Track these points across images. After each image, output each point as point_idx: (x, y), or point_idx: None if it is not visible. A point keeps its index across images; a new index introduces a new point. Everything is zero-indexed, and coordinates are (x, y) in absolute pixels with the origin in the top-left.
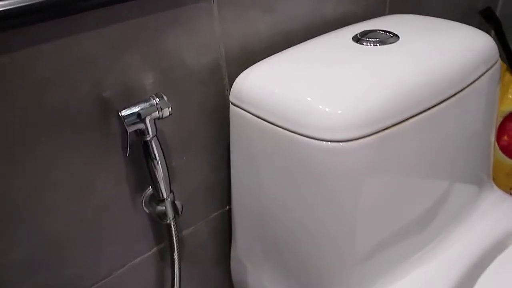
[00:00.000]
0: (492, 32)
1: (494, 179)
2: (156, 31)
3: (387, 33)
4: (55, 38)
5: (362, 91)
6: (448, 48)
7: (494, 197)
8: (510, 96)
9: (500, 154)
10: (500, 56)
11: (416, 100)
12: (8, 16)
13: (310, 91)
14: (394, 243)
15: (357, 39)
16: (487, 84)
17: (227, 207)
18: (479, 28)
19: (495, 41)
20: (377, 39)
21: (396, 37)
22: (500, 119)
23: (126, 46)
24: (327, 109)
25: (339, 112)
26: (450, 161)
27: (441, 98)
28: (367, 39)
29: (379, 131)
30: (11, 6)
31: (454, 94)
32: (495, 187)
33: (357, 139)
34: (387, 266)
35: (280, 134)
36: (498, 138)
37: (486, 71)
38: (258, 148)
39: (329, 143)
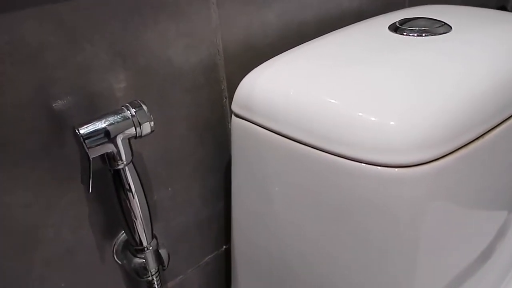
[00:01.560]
0: None
1: None
2: (132, 15)
3: (435, 21)
4: None
5: (425, 95)
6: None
7: None
8: None
9: None
10: None
11: (498, 107)
12: None
13: (347, 97)
14: (458, 285)
15: (395, 28)
16: None
17: (224, 247)
18: None
19: None
20: (424, 29)
21: (447, 26)
22: None
23: (87, 34)
24: (378, 120)
25: (400, 124)
26: (508, 187)
27: None
28: (410, 29)
29: (455, 150)
30: None
31: None
32: None
33: (428, 163)
34: None
35: (305, 153)
36: None
37: None
38: (271, 172)
39: (384, 168)
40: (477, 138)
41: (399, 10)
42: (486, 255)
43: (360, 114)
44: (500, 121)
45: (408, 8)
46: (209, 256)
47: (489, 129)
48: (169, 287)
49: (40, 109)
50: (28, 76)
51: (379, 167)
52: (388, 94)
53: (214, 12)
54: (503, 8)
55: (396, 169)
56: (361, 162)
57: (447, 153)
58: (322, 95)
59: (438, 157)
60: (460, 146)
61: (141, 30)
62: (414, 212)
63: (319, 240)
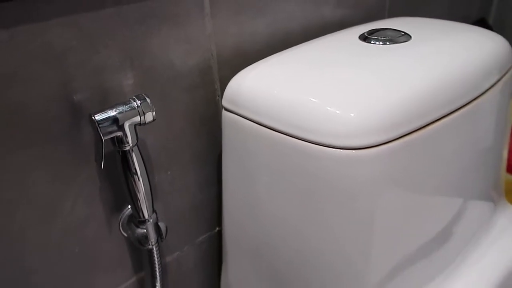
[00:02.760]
0: None
1: None
2: (139, 24)
3: (398, 32)
4: (14, 24)
5: (378, 92)
6: (466, 49)
7: (509, 212)
8: None
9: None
10: None
11: (439, 103)
12: None
13: (317, 93)
14: (411, 264)
15: (365, 37)
16: (504, 89)
17: (217, 229)
18: None
19: None
20: (387, 38)
21: (407, 35)
22: None
23: (102, 40)
24: (338, 112)
25: (354, 114)
26: (465, 172)
27: (463, 102)
28: (376, 38)
29: (400, 137)
30: None
31: (471, 101)
32: (508, 203)
33: (375, 146)
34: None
35: (282, 141)
36: None
37: (504, 75)
38: (255, 159)
39: (342, 150)
40: (419, 129)
41: (372, 22)
42: (440, 237)
43: (325, 107)
44: (440, 116)
45: (380, 20)
46: (203, 236)
47: (430, 122)
48: (167, 261)
49: (63, 101)
50: (54, 74)
51: (338, 150)
52: (349, 91)
53: (208, 22)
54: (482, 20)
55: (352, 151)
56: (326, 146)
57: (392, 139)
58: (296, 92)
59: (385, 141)
60: (403, 134)
61: (147, 37)
62: (366, 187)
63: (293, 217)
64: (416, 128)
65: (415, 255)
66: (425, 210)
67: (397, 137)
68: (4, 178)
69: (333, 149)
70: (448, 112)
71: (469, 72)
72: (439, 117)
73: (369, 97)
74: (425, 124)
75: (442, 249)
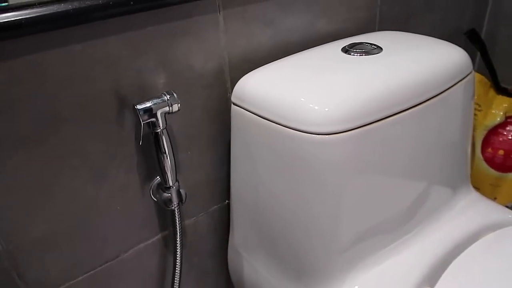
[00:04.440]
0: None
1: (479, 189)
2: (169, 38)
3: (372, 45)
4: (82, 40)
5: (345, 92)
6: (425, 59)
7: (471, 197)
8: (493, 111)
9: (485, 165)
10: (485, 74)
11: (393, 102)
12: (45, 20)
13: (302, 92)
14: (374, 233)
15: (346, 50)
16: (460, 92)
17: (226, 201)
18: (465, 49)
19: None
20: (363, 50)
21: (379, 48)
22: (485, 133)
23: (143, 50)
24: (314, 107)
25: (325, 109)
26: (427, 161)
27: (416, 102)
28: (354, 50)
29: (359, 126)
30: (49, 12)
31: (429, 99)
32: (473, 189)
33: (340, 132)
34: (368, 254)
35: (274, 129)
36: (483, 150)
37: (460, 80)
38: (255, 143)
39: (315, 135)
40: (376, 121)
41: (356, 36)
42: (399, 211)
43: (306, 103)
44: (395, 112)
45: (364, 34)
46: (215, 206)
47: (386, 116)
48: (186, 224)
49: (114, 94)
50: (110, 75)
51: (314, 135)
52: (325, 91)
53: (222, 36)
54: (472, 31)
55: (324, 136)
56: (305, 132)
57: (354, 128)
58: (287, 91)
59: (348, 129)
60: (363, 125)
61: (175, 47)
62: (333, 163)
63: (281, 188)
64: (374, 121)
65: (377, 226)
66: (388, 188)
67: (358, 126)
68: (72, 149)
69: (310, 134)
70: (403, 109)
71: (422, 78)
72: (395, 113)
73: (339, 96)
74: (381, 118)
75: (402, 223)
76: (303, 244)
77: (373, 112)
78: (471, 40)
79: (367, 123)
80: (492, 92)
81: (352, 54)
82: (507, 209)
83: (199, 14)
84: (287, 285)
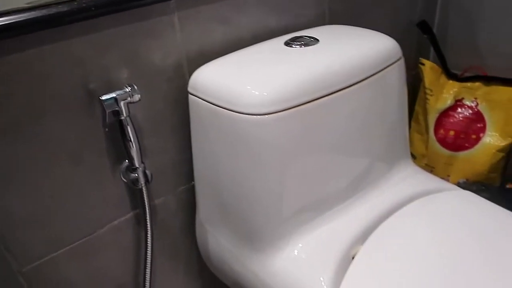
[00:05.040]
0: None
1: (433, 167)
2: (130, 38)
3: (311, 38)
4: (52, 42)
5: (281, 78)
6: (355, 47)
7: (409, 170)
8: (444, 96)
9: (438, 146)
10: (435, 61)
11: (323, 85)
12: (21, 26)
13: (245, 80)
14: (315, 202)
15: (287, 43)
16: (390, 76)
17: (192, 183)
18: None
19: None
20: (302, 43)
21: (316, 40)
22: (437, 116)
23: (107, 49)
24: (253, 92)
25: (263, 93)
26: (362, 138)
27: (346, 84)
28: (295, 43)
29: (293, 107)
30: (23, 18)
31: (358, 82)
32: (412, 163)
33: (274, 113)
34: (310, 219)
35: (223, 113)
36: (436, 132)
37: (389, 65)
38: (209, 128)
39: (254, 116)
40: (308, 102)
41: (301, 30)
42: (335, 182)
43: (247, 89)
44: (325, 94)
45: (309, 29)
46: (182, 187)
47: (317, 98)
48: (155, 203)
49: (83, 88)
50: (78, 71)
51: (254, 116)
52: (263, 78)
53: (178, 35)
54: (423, 22)
55: (263, 116)
56: (246, 114)
57: (288, 108)
58: (232, 80)
59: (282, 109)
60: (295, 105)
61: (136, 46)
62: (271, 140)
63: (232, 165)
64: (306, 102)
65: (316, 195)
66: (321, 162)
67: (291, 107)
68: (50, 137)
69: (250, 115)
70: (333, 91)
71: (351, 64)
72: (326, 94)
73: (275, 81)
74: (313, 99)
75: (340, 191)
76: (252, 215)
77: (305, 94)
78: (422, 31)
79: (299, 103)
80: (443, 78)
81: (292, 46)
82: (440, 179)
83: (156, 16)
84: (244, 252)
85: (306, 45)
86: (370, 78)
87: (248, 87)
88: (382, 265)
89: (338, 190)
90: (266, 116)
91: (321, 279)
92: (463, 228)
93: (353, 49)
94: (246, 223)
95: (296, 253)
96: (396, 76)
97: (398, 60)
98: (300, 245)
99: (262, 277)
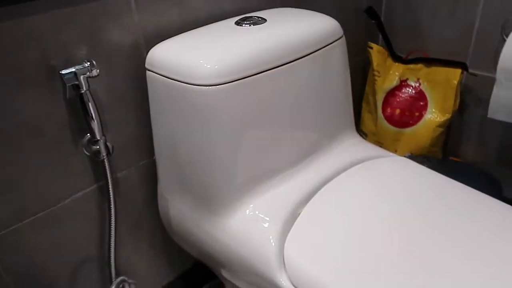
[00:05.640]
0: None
1: (382, 143)
2: (88, 17)
3: (259, 18)
4: (13, 17)
5: (229, 53)
6: (299, 27)
7: (353, 140)
8: (390, 77)
9: (386, 123)
10: (383, 45)
11: (267, 59)
12: None
13: (197, 55)
14: (265, 169)
15: (238, 23)
16: (332, 53)
17: (154, 157)
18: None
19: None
20: (251, 22)
21: (264, 20)
22: (384, 95)
23: (66, 27)
24: (204, 65)
25: (213, 66)
26: (307, 109)
27: (289, 59)
28: (244, 22)
29: (239, 79)
30: None
31: (301, 58)
32: (357, 134)
33: (223, 84)
34: (261, 184)
35: (177, 86)
36: (383, 110)
37: (330, 43)
38: (165, 100)
39: (205, 87)
40: (253, 75)
41: (252, 12)
42: (282, 150)
43: (198, 62)
44: (269, 68)
45: (260, 11)
46: (144, 161)
47: (261, 71)
48: (118, 176)
49: (44, 63)
50: (39, 46)
51: (203, 86)
52: (213, 53)
53: (135, 15)
54: (370, 8)
55: (211, 87)
56: (197, 85)
57: (234, 80)
58: (184, 55)
59: (229, 81)
60: (241, 78)
61: (95, 24)
62: (220, 108)
63: (187, 134)
64: (252, 74)
65: (265, 162)
66: (268, 131)
67: (238, 79)
68: (12, 110)
69: (202, 86)
70: (277, 65)
71: (294, 41)
72: (270, 68)
73: (224, 56)
74: (258, 72)
75: (288, 159)
76: (208, 182)
77: (251, 67)
78: (370, 17)
79: (246, 75)
80: (389, 61)
81: (242, 25)
82: (380, 148)
83: None
84: (202, 216)
85: (254, 24)
86: (313, 54)
87: (200, 61)
88: (323, 219)
89: (287, 157)
90: (216, 86)
91: (270, 232)
92: (396, 187)
93: (297, 28)
94: (203, 190)
95: (248, 213)
96: (339, 53)
97: (339, 38)
98: (252, 205)
99: (219, 237)
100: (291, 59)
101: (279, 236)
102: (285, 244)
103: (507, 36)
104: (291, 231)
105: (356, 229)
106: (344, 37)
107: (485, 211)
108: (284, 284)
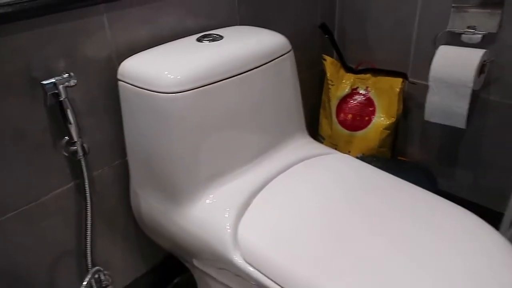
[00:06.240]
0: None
1: (337, 145)
2: (67, 34)
3: (218, 35)
4: (1, 35)
5: (189, 65)
6: (251, 42)
7: (303, 141)
8: (343, 86)
9: (339, 127)
10: (335, 57)
11: (223, 70)
12: None
13: (163, 67)
14: (223, 166)
15: (199, 39)
16: (282, 64)
17: (126, 157)
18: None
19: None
20: (210, 39)
21: (221, 37)
22: (337, 102)
23: (48, 43)
24: (167, 75)
25: (176, 76)
26: (260, 114)
27: (242, 70)
28: (204, 39)
29: (198, 87)
30: None
31: (252, 69)
32: (308, 136)
33: (184, 91)
34: (219, 178)
35: (144, 94)
36: (337, 115)
37: (278, 57)
38: (135, 107)
39: (169, 94)
40: (209, 84)
41: (212, 30)
42: (245, 150)
43: (162, 73)
44: (223, 79)
45: (220, 29)
46: (118, 161)
47: (216, 81)
48: (94, 174)
49: (27, 74)
50: (22, 60)
51: (167, 94)
52: (175, 65)
53: (108, 33)
54: (323, 24)
55: (173, 94)
56: (161, 93)
57: (192, 88)
58: (151, 67)
59: (188, 89)
60: (199, 86)
61: (73, 41)
62: (180, 114)
63: (153, 136)
64: (209, 83)
65: (223, 160)
66: (225, 133)
67: (197, 87)
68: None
69: (166, 94)
70: (231, 76)
71: (246, 54)
72: (225, 78)
73: (185, 67)
74: (215, 81)
75: (243, 157)
76: (173, 177)
77: (209, 77)
78: (323, 32)
79: (205, 84)
80: (341, 71)
81: (202, 41)
82: (327, 147)
83: (88, 17)
84: (169, 207)
85: (213, 40)
86: (264, 66)
87: (165, 72)
88: (271, 206)
89: (243, 155)
90: (179, 94)
91: (226, 217)
92: (334, 177)
93: (249, 44)
94: (169, 185)
95: (208, 202)
96: (288, 65)
97: (288, 52)
98: (211, 196)
99: (184, 224)
100: (244, 70)
101: (234, 221)
102: (239, 227)
103: (437, 48)
104: (243, 217)
105: (297, 214)
106: (292, 51)
107: (407, 197)
108: (238, 261)
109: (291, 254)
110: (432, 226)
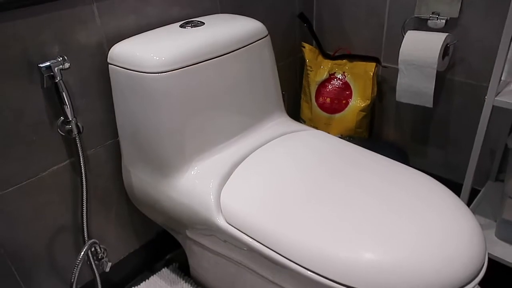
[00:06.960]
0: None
1: (317, 128)
2: (60, 21)
3: (199, 22)
4: (1, 22)
5: (173, 48)
6: (229, 28)
7: (282, 119)
8: (321, 71)
9: (319, 110)
10: (314, 44)
11: (203, 53)
12: None
13: (149, 50)
14: (206, 140)
15: (182, 25)
16: (259, 48)
17: (118, 138)
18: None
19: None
20: (192, 25)
21: (202, 23)
22: (316, 86)
23: (43, 30)
24: (154, 57)
25: (161, 58)
26: (242, 93)
27: (221, 53)
28: (187, 25)
29: (181, 67)
30: None
31: (232, 52)
32: (285, 115)
33: (169, 71)
34: (203, 152)
35: (133, 75)
36: (316, 99)
37: (256, 41)
38: (124, 88)
39: (155, 74)
40: (193, 65)
41: (197, 17)
42: (227, 126)
43: (149, 54)
44: (205, 59)
45: (202, 17)
46: (111, 141)
47: (199, 61)
48: (88, 153)
49: (25, 58)
50: (19, 45)
51: (154, 74)
52: (161, 47)
53: (98, 20)
54: (301, 14)
55: (160, 74)
56: (149, 73)
57: (177, 68)
58: (138, 49)
59: (173, 69)
60: (183, 66)
61: (66, 28)
62: (167, 92)
63: (142, 114)
64: (191, 64)
65: (206, 135)
66: (208, 111)
67: (180, 67)
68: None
69: (153, 74)
70: (211, 58)
71: (224, 38)
72: (206, 60)
73: (169, 50)
74: (197, 62)
75: (226, 133)
76: (161, 151)
77: (190, 58)
78: (302, 21)
79: (187, 65)
80: (320, 58)
81: (185, 27)
82: (303, 125)
83: (79, 6)
84: (158, 179)
85: (194, 26)
86: (243, 49)
87: (151, 54)
88: (250, 175)
89: (225, 131)
90: (164, 73)
91: (210, 186)
92: (310, 149)
93: (227, 29)
94: (158, 158)
95: (193, 173)
96: (265, 49)
97: (264, 37)
98: (196, 167)
99: (172, 194)
100: (223, 53)
101: (217, 188)
102: (221, 194)
103: (405, 34)
104: (226, 184)
105: (274, 180)
106: (269, 36)
107: (376, 162)
108: (221, 223)
109: (268, 214)
110: (398, 183)
